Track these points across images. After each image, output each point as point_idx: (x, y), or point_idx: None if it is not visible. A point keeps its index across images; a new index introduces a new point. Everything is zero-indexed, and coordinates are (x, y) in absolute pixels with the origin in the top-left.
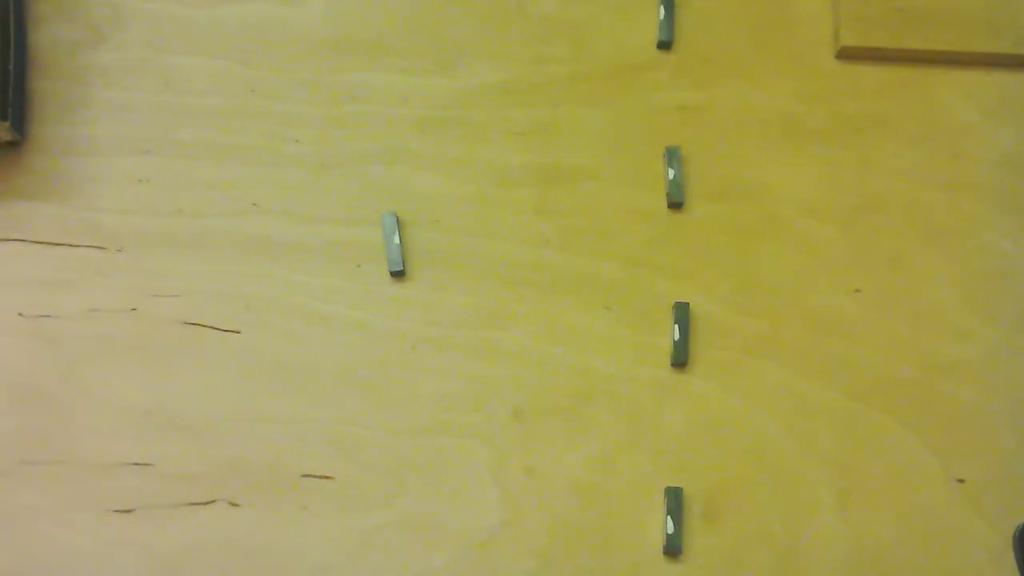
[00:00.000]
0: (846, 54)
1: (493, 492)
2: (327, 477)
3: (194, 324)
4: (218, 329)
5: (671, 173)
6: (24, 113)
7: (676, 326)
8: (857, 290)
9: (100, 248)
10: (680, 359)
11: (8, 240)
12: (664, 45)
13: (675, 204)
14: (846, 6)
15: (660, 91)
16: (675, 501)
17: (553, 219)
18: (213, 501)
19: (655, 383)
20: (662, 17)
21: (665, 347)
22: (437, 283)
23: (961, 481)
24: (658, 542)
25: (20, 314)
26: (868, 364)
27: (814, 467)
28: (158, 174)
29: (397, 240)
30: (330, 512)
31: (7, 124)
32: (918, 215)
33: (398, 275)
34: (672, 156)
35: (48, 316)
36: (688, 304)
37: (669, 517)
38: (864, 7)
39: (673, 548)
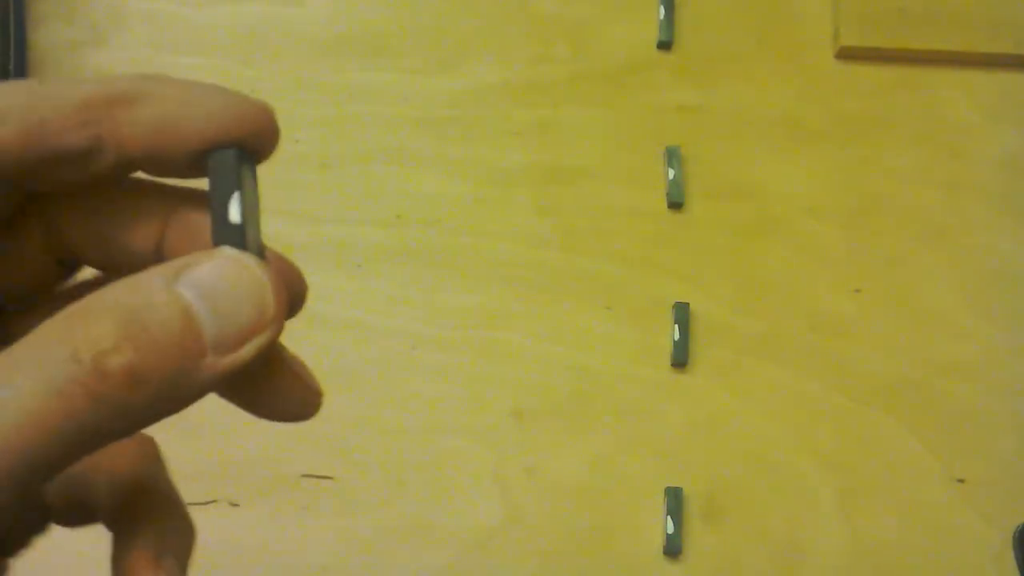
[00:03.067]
0: (846, 54)
1: (493, 492)
2: (327, 477)
3: None
4: None
5: (671, 173)
6: None
7: (676, 326)
8: (857, 290)
9: None
10: (680, 359)
11: None
12: (664, 45)
13: (675, 204)
14: (846, 6)
15: (660, 91)
16: (675, 501)
17: (553, 219)
18: (213, 501)
19: (655, 383)
20: (662, 17)
21: (665, 347)
22: (437, 283)
23: (961, 481)
24: (658, 542)
25: None
26: (868, 364)
27: (814, 467)
28: None
29: None
30: (330, 512)
31: None
32: (918, 215)
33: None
34: (672, 156)
35: None
36: (688, 304)
37: (669, 517)
38: (864, 7)
39: (673, 548)
